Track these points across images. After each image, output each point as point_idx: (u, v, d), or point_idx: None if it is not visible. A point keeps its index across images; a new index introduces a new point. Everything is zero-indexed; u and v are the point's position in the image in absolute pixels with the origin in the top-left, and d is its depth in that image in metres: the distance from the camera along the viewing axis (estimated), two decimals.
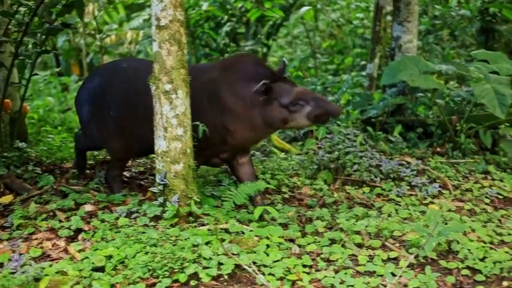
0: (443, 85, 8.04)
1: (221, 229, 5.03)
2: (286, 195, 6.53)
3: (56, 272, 4.32)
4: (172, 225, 5.09)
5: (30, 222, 5.30)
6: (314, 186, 6.80)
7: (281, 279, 4.38)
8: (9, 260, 4.43)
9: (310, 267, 4.62)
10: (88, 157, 7.58)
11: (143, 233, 4.88)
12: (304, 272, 4.50)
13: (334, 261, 4.73)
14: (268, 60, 15.98)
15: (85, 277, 4.28)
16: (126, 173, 6.88)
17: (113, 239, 4.85)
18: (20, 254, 4.53)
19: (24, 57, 7.48)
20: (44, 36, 7.44)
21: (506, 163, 7.95)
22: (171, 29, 5.19)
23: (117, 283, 4.22)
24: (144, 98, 5.41)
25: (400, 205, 6.31)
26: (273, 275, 4.40)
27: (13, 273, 4.27)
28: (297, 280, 4.38)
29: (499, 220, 6.06)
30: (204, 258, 4.46)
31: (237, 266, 4.44)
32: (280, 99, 5.52)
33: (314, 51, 17.26)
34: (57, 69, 17.94)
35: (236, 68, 5.75)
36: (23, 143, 7.31)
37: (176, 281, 4.27)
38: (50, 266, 4.42)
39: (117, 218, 5.31)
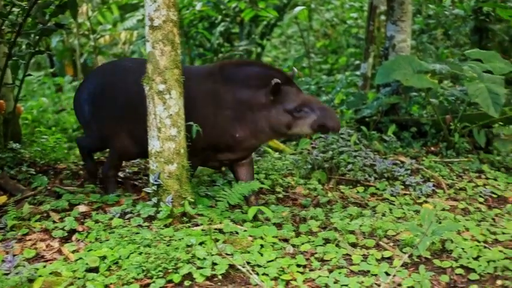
0: (437, 84, 8.05)
1: (215, 229, 5.02)
2: (280, 195, 6.53)
3: (50, 273, 4.31)
4: (166, 226, 5.09)
5: (24, 223, 5.29)
6: (308, 186, 6.80)
7: (275, 279, 4.37)
8: (3, 261, 4.41)
9: (304, 266, 4.62)
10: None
11: (137, 233, 4.88)
12: (298, 271, 4.49)
13: (328, 260, 4.73)
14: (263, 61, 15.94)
15: (79, 278, 4.27)
16: (120, 174, 6.87)
17: (107, 240, 4.84)
18: (14, 255, 4.51)
19: (18, 57, 7.47)
20: (37, 37, 7.44)
21: (500, 162, 7.96)
22: (165, 29, 5.19)
23: (111, 284, 4.21)
24: (144, 97, 5.40)
25: (394, 204, 6.32)
26: (267, 275, 4.39)
27: (7, 274, 4.26)
28: (291, 280, 4.38)
29: (493, 219, 6.07)
30: (198, 259, 4.46)
31: (231, 266, 4.44)
32: (286, 104, 5.54)
33: (308, 51, 17.26)
34: (51, 70, 17.91)
35: (243, 71, 5.76)
36: (17, 144, 7.29)
37: (170, 281, 4.27)
38: (44, 266, 4.41)
39: (111, 219, 5.30)
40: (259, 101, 5.59)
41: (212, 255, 4.51)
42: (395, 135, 8.75)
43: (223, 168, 6.95)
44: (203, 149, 5.72)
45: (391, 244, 5.17)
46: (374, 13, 11.64)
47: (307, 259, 4.73)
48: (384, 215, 5.93)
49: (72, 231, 5.16)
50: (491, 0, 11.34)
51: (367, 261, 4.73)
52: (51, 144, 8.17)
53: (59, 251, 4.85)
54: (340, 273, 4.49)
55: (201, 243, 4.69)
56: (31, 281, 4.19)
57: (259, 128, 5.64)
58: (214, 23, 15.55)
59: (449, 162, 8.00)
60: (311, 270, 4.58)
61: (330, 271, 4.54)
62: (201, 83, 5.75)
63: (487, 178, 7.43)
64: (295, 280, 4.37)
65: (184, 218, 5.22)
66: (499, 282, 4.55)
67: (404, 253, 4.84)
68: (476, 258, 4.83)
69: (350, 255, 4.85)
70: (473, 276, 4.61)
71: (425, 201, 6.50)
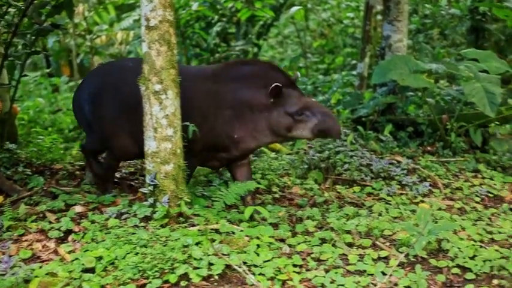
0: (433, 84, 8.07)
1: (211, 229, 5.02)
2: (276, 195, 6.53)
3: (46, 274, 4.31)
4: (162, 226, 5.08)
5: (20, 224, 5.28)
6: (304, 186, 6.80)
7: (271, 279, 4.37)
8: None
9: (301, 266, 4.62)
10: (78, 158, 7.57)
11: (133, 233, 4.88)
12: (294, 271, 4.50)
13: (324, 260, 4.73)
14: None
15: (75, 278, 4.27)
16: (116, 174, 6.85)
17: (103, 240, 4.83)
18: (10, 256, 4.52)
19: (14, 58, 7.46)
20: (33, 37, 7.43)
21: (497, 161, 7.97)
22: (161, 30, 5.19)
23: (107, 284, 4.21)
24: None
25: (390, 204, 6.33)
26: (264, 275, 4.40)
27: (3, 275, 4.26)
28: (288, 280, 4.38)
29: (489, 218, 6.09)
30: (194, 259, 4.46)
31: (228, 266, 4.44)
32: (287, 106, 5.53)
33: (305, 51, 17.27)
34: (48, 70, 17.86)
35: (246, 71, 5.76)
36: (13, 145, 7.28)
37: (166, 281, 4.26)
38: (40, 267, 4.41)
39: (107, 219, 5.30)
40: (260, 101, 5.59)
41: (208, 255, 4.51)
42: (391, 134, 8.75)
43: (220, 169, 6.95)
44: (203, 149, 5.72)
45: (388, 244, 5.17)
46: (370, 13, 11.66)
47: (303, 259, 4.73)
48: (380, 214, 5.93)
49: (69, 232, 5.16)
50: None
51: (364, 261, 4.74)
52: (47, 145, 8.16)
53: (55, 252, 4.85)
54: (336, 273, 4.50)
55: (197, 244, 4.69)
56: (27, 281, 4.20)
57: (258, 128, 5.63)
58: (210, 23, 15.54)
59: (445, 161, 8.01)
60: (307, 270, 4.58)
61: (327, 271, 4.54)
62: (203, 83, 5.76)
63: (483, 177, 7.44)
64: (291, 280, 4.37)
65: (181, 218, 5.22)
66: (495, 281, 4.56)
67: (401, 253, 4.85)
68: (472, 258, 4.84)
69: (346, 255, 4.85)
70: (469, 275, 4.62)
71: (422, 201, 6.51)
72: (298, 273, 4.49)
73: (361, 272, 4.60)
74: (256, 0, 13.92)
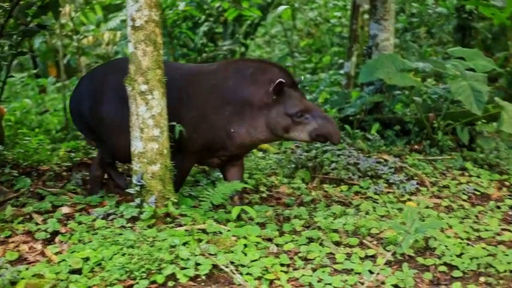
0: (420, 83, 8.10)
1: (198, 229, 5.02)
2: (264, 195, 6.54)
3: (33, 275, 4.29)
4: (149, 226, 5.07)
5: (7, 226, 5.26)
6: (292, 185, 6.81)
7: (259, 278, 4.38)
8: None
9: (288, 266, 4.63)
10: (65, 159, 7.55)
11: (120, 234, 4.87)
12: (282, 271, 4.50)
13: (311, 259, 4.74)
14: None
15: (62, 280, 4.26)
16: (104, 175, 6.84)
17: (90, 241, 4.82)
18: None
19: (0, 59, 7.43)
20: (19, 38, 7.40)
21: (483, 159, 7.99)
22: (147, 30, 5.18)
23: (94, 285, 4.20)
24: None
25: (377, 203, 6.34)
26: (251, 274, 4.40)
27: None
28: (275, 279, 4.38)
29: (476, 216, 6.12)
30: (182, 259, 4.46)
31: (215, 266, 4.44)
32: (287, 107, 5.51)
33: (292, 50, 17.27)
34: (34, 71, 17.81)
35: (248, 69, 5.75)
36: (0, 146, 7.25)
37: (154, 282, 4.26)
38: (27, 269, 4.38)
39: (94, 220, 5.29)
40: (261, 99, 5.57)
41: (195, 255, 4.51)
42: (378, 133, 8.77)
43: (206, 168, 6.95)
44: (201, 146, 5.72)
45: (375, 242, 5.18)
46: (357, 12, 11.66)
47: (290, 258, 4.74)
48: (367, 213, 5.94)
49: (55, 233, 5.14)
50: None
51: (351, 260, 4.75)
52: (34, 146, 8.15)
53: (42, 253, 4.83)
54: (323, 272, 4.50)
55: (184, 244, 4.69)
56: (14, 283, 4.18)
57: (255, 125, 5.61)
58: (197, 23, 15.52)
59: (432, 160, 8.03)
60: (295, 269, 4.59)
61: (314, 270, 4.55)
62: (204, 80, 5.76)
63: (470, 175, 7.47)
64: (278, 279, 4.38)
65: (168, 219, 5.22)
66: (482, 279, 4.59)
67: (388, 251, 4.85)
68: (459, 256, 4.86)
69: (334, 254, 4.86)
70: (456, 273, 4.64)
71: (409, 199, 6.53)
72: (286, 272, 4.50)
73: (348, 271, 4.61)
74: (243, 0, 13.91)
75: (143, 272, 4.30)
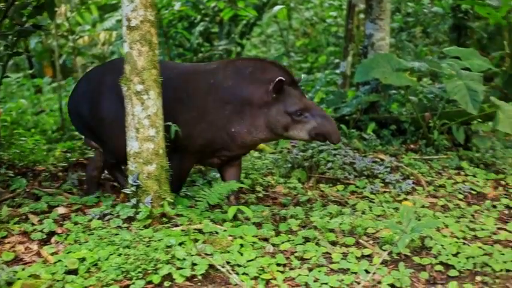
0: (416, 82, 8.10)
1: (195, 229, 5.01)
2: (260, 195, 6.53)
3: (29, 276, 4.28)
4: (145, 227, 5.07)
5: (3, 226, 5.25)
6: (288, 185, 6.81)
7: (255, 278, 4.38)
8: None
9: (284, 265, 4.63)
10: (61, 159, 7.54)
11: (116, 234, 4.86)
12: (278, 270, 4.50)
13: (308, 259, 4.74)
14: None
15: (58, 280, 4.26)
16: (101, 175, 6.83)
17: (86, 242, 4.81)
18: None
19: None
20: (15, 38, 7.39)
21: (479, 158, 7.99)
22: (142, 30, 5.18)
23: (90, 286, 4.20)
24: None
25: (374, 202, 6.34)
26: (247, 274, 4.40)
27: None
28: (271, 279, 4.38)
29: (472, 215, 6.12)
30: (178, 259, 4.45)
31: (211, 266, 4.44)
32: (287, 105, 5.51)
33: (288, 50, 17.28)
34: (30, 71, 17.81)
35: (248, 67, 5.75)
36: None
37: (150, 282, 4.26)
38: (23, 269, 4.38)
39: (90, 220, 5.28)
40: (261, 97, 5.56)
41: (192, 255, 4.50)
42: (374, 133, 8.77)
43: (203, 168, 6.95)
44: (201, 146, 5.72)
45: (371, 242, 5.19)
46: (353, 11, 11.68)
47: (287, 258, 4.73)
48: (363, 212, 5.94)
49: (51, 234, 5.13)
50: None
51: (347, 259, 4.75)
52: (30, 146, 8.13)
53: (38, 254, 4.83)
54: (320, 271, 4.50)
55: (180, 244, 4.69)
56: (10, 284, 4.17)
57: (256, 124, 5.61)
58: (193, 23, 15.52)
59: (428, 159, 8.04)
60: (291, 269, 4.59)
61: (310, 270, 4.55)
62: (204, 80, 5.76)
63: (466, 175, 7.47)
64: (275, 279, 4.38)
65: (164, 219, 5.21)
66: (478, 278, 4.59)
67: (384, 251, 4.85)
68: (455, 255, 4.86)
69: (330, 254, 4.86)
70: (452, 272, 4.65)
71: (405, 199, 6.52)
72: (282, 272, 4.50)
73: (344, 270, 4.62)
74: (238, 0, 13.90)
75: (139, 272, 4.30)
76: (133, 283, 4.22)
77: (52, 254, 4.73)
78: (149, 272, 4.33)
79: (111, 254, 4.53)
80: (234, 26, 16.05)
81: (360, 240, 5.18)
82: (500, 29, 12.09)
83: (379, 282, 4.40)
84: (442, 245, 4.99)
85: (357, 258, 4.81)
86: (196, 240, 4.74)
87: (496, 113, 7.44)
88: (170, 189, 5.49)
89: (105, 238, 4.79)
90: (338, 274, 4.51)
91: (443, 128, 8.50)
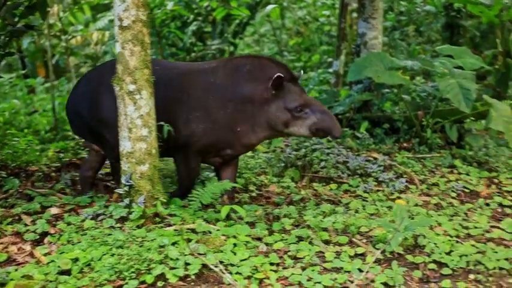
0: (408, 81, 8.10)
1: (188, 229, 5.01)
2: (253, 194, 6.52)
3: (22, 276, 4.28)
4: (138, 227, 5.06)
5: None
6: (281, 184, 6.81)
7: (248, 277, 4.38)
8: None
9: (278, 265, 4.63)
10: (54, 160, 7.52)
11: (109, 234, 4.86)
12: (271, 270, 4.50)
13: (301, 258, 4.75)
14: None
15: (51, 281, 4.25)
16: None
17: (79, 242, 4.80)
18: None
19: None
20: (7, 39, 7.37)
21: (472, 157, 8.01)
22: (134, 29, 5.17)
23: (83, 286, 4.19)
24: None
25: (367, 201, 6.35)
26: (240, 273, 4.41)
27: None
28: (264, 278, 4.38)
29: (465, 213, 6.13)
30: (171, 259, 4.45)
31: (204, 266, 4.44)
32: (287, 101, 5.53)
33: (281, 49, 17.30)
34: (23, 72, 17.77)
35: (247, 65, 5.76)
36: None
37: (143, 282, 4.26)
38: (16, 270, 4.38)
39: (83, 221, 5.27)
40: (261, 94, 5.58)
41: (185, 255, 4.50)
42: (367, 131, 8.78)
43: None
44: (206, 145, 5.73)
45: (364, 240, 5.19)
46: (345, 10, 11.68)
47: (280, 257, 4.74)
48: (357, 211, 5.95)
49: (44, 234, 5.12)
50: None
51: (340, 258, 4.75)
52: (22, 147, 8.10)
53: (31, 254, 4.82)
54: (313, 270, 4.51)
55: (173, 244, 4.68)
56: (3, 284, 4.16)
57: (257, 122, 5.63)
58: (186, 22, 15.52)
59: (421, 157, 8.05)
60: (284, 268, 4.59)
61: (303, 269, 4.55)
62: (204, 79, 5.76)
63: (459, 173, 7.48)
64: (268, 278, 4.38)
65: (157, 219, 5.21)
66: (471, 276, 4.61)
67: (377, 249, 4.86)
68: (448, 253, 4.88)
69: (323, 253, 4.87)
70: (445, 270, 4.66)
71: (398, 197, 6.53)
72: (275, 271, 4.50)
73: (338, 269, 4.62)
74: None
75: (132, 272, 4.30)
76: (126, 283, 4.21)
77: (45, 254, 4.72)
78: (142, 272, 4.33)
79: (104, 254, 4.52)
80: (227, 26, 16.06)
81: (353, 239, 5.19)
82: (493, 27, 12.08)
83: (373, 281, 4.41)
84: (435, 244, 4.99)
85: (350, 257, 4.81)
86: (189, 240, 4.74)
87: (489, 111, 7.44)
88: (182, 190, 5.59)
89: (98, 238, 4.79)
90: (331, 273, 4.52)
91: (436, 127, 8.51)
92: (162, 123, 5.36)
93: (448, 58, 8.14)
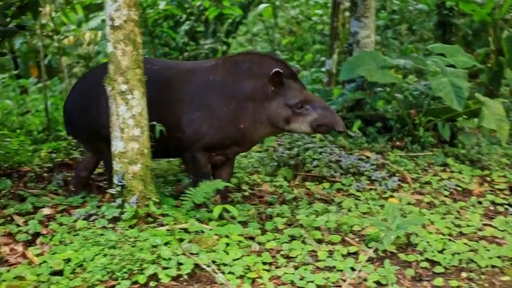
0: (401, 79, 8.11)
1: (180, 229, 5.01)
2: (246, 193, 6.51)
3: (14, 277, 4.27)
4: (131, 227, 5.06)
5: None
6: (274, 183, 6.80)
7: (241, 277, 4.39)
8: None
9: (270, 264, 4.64)
10: (46, 160, 7.50)
11: (102, 235, 4.85)
12: (264, 269, 4.51)
13: (294, 257, 4.75)
14: None
15: (43, 281, 4.25)
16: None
17: (71, 242, 4.80)
18: None
19: None
20: None
21: (465, 155, 8.02)
22: (126, 29, 5.16)
23: (76, 286, 4.18)
24: None
25: (359, 200, 6.36)
26: (233, 273, 4.41)
27: None
28: (257, 278, 4.39)
29: (458, 212, 6.15)
30: (163, 259, 4.46)
31: (197, 266, 4.44)
32: (287, 98, 5.53)
33: (274, 48, 17.28)
34: (15, 72, 17.71)
35: (247, 62, 5.77)
36: None
37: (135, 282, 4.26)
38: (8, 271, 4.38)
39: (76, 221, 5.26)
40: (261, 91, 5.58)
41: (177, 255, 4.51)
42: (360, 130, 8.77)
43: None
44: (211, 144, 5.73)
45: (357, 239, 5.20)
46: (338, 9, 11.66)
47: (273, 256, 4.75)
48: (349, 210, 5.96)
49: (37, 235, 5.11)
50: None
51: (333, 257, 4.76)
52: (15, 147, 8.08)
53: (23, 255, 4.81)
54: (306, 269, 4.51)
55: (166, 244, 4.69)
56: None
57: (258, 119, 5.63)
58: (179, 22, 15.49)
59: (414, 156, 8.06)
60: (277, 267, 4.60)
61: (296, 268, 4.56)
62: (205, 76, 5.77)
63: (452, 171, 7.50)
64: (261, 278, 4.38)
65: (149, 219, 5.21)
66: (464, 274, 4.62)
67: (370, 248, 4.87)
68: (441, 251, 4.89)
69: (316, 252, 4.87)
70: (438, 269, 4.67)
71: (391, 196, 6.55)
72: (268, 270, 4.51)
73: (330, 268, 4.63)
74: None
75: (125, 272, 4.30)
76: (119, 283, 4.22)
77: (37, 255, 4.72)
78: (135, 272, 4.32)
79: (97, 255, 4.52)
80: (220, 25, 16.04)
81: (346, 238, 5.19)
82: (485, 25, 12.12)
83: (365, 280, 4.42)
84: (427, 242, 5.01)
85: (343, 255, 4.82)
86: (181, 240, 4.74)
87: (481, 109, 7.45)
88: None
89: (91, 238, 4.78)
90: (324, 272, 4.52)
91: (429, 125, 8.52)
92: (154, 123, 5.34)
93: (441, 56, 8.16)
